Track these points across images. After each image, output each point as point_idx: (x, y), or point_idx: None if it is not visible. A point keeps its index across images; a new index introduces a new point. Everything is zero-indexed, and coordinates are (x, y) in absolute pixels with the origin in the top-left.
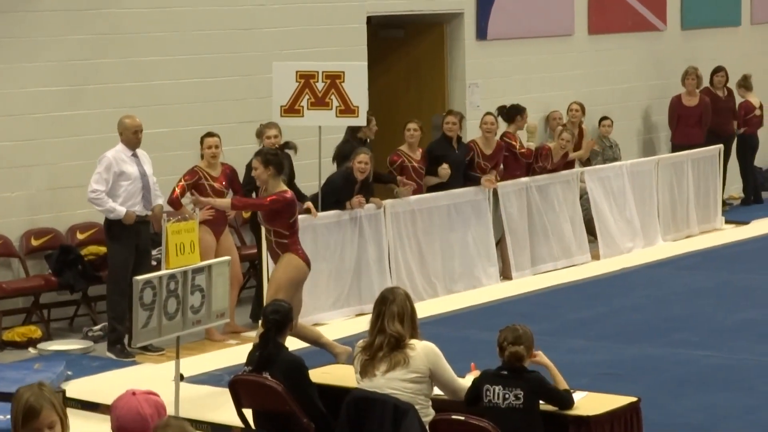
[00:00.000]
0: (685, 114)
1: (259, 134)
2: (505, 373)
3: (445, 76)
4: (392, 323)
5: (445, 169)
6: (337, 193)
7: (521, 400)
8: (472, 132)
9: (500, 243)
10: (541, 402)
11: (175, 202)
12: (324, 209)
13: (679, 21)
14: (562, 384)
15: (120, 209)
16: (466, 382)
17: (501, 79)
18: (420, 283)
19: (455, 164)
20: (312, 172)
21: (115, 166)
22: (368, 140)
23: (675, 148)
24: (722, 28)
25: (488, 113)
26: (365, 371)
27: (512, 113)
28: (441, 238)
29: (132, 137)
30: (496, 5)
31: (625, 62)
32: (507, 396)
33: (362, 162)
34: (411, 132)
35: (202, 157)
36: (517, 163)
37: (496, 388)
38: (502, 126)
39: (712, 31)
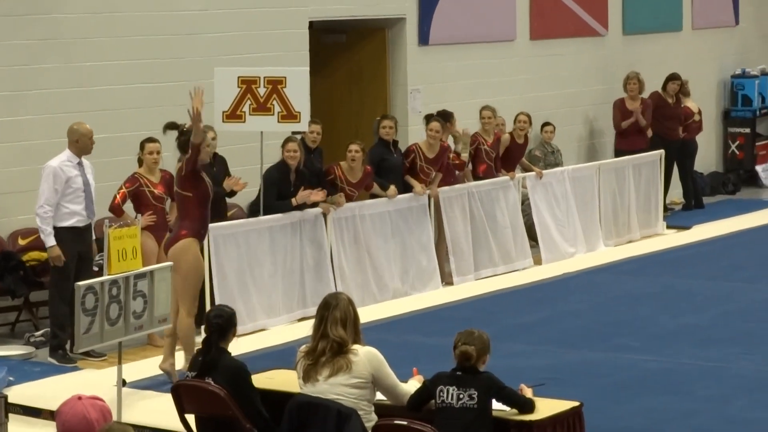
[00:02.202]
0: (625, 118)
1: None
2: (459, 373)
3: (386, 82)
4: (335, 328)
5: (393, 190)
6: (276, 186)
7: (475, 400)
8: (413, 137)
9: (440, 248)
10: (501, 407)
11: (116, 209)
12: (267, 209)
13: (621, 26)
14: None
15: (51, 242)
16: (409, 387)
17: (443, 84)
18: (362, 289)
19: (394, 168)
20: (254, 177)
21: (62, 175)
22: (312, 148)
23: (618, 153)
24: (664, 33)
25: (435, 119)
26: (308, 376)
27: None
28: (382, 244)
29: (89, 143)
30: (438, 11)
31: (566, 67)
32: (461, 396)
33: (290, 150)
34: (352, 154)
35: (140, 163)
36: (448, 170)
37: (450, 388)
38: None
39: (653, 36)
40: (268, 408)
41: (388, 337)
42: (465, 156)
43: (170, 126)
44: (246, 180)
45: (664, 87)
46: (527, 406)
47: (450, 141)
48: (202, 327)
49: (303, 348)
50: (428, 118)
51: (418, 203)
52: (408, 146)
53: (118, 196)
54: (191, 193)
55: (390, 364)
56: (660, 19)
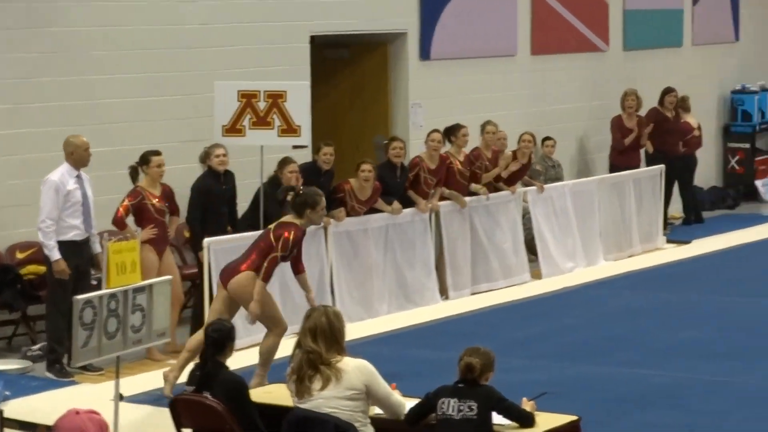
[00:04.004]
0: (625, 135)
1: (205, 157)
2: (461, 385)
3: (388, 96)
4: (305, 340)
5: (398, 207)
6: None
7: (475, 411)
8: (414, 152)
9: (440, 263)
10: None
11: (119, 223)
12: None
13: (622, 42)
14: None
15: (56, 255)
16: (404, 399)
17: (444, 99)
18: (360, 303)
19: (396, 189)
20: (253, 192)
21: (62, 188)
22: (324, 170)
23: (614, 169)
24: (664, 48)
25: (435, 130)
26: (300, 393)
27: (449, 133)
28: (381, 259)
29: (84, 155)
30: (440, 25)
31: (567, 83)
32: (461, 408)
33: (293, 171)
34: (365, 174)
35: (133, 176)
36: (455, 182)
37: (452, 400)
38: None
39: (654, 52)
40: (266, 423)
41: (385, 351)
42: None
43: (287, 189)
44: (247, 195)
45: (661, 101)
46: (528, 420)
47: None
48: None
49: (291, 364)
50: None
51: (420, 218)
52: (412, 159)
53: (121, 210)
54: (279, 253)
55: (388, 378)
56: (660, 35)
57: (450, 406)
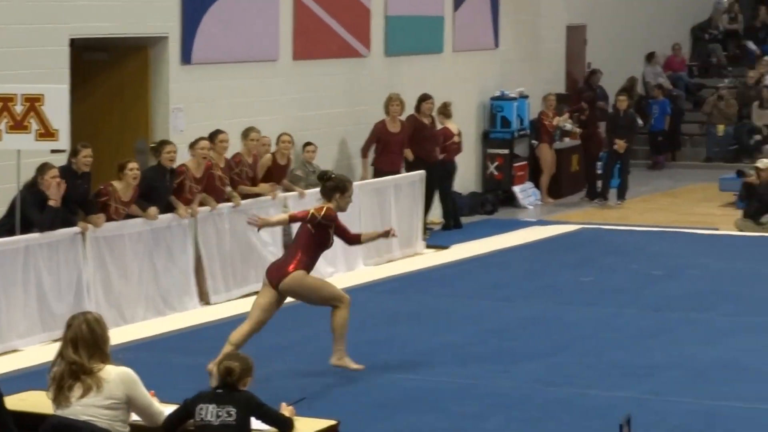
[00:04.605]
0: (389, 140)
1: None
2: (220, 391)
3: (148, 100)
4: (67, 350)
5: (154, 212)
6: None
7: (234, 417)
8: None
9: (199, 268)
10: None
11: None
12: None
13: (383, 47)
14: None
15: None
16: (165, 407)
17: (206, 103)
18: (117, 309)
19: (164, 193)
20: (10, 197)
21: None
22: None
23: (377, 173)
24: (425, 54)
25: (203, 138)
26: (58, 400)
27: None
28: (139, 264)
29: None
30: (201, 30)
31: (329, 88)
32: (220, 413)
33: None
34: (133, 172)
35: None
36: (215, 188)
37: (210, 406)
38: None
39: (415, 58)
40: (22, 430)
41: (146, 356)
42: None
43: (323, 175)
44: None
45: (418, 108)
46: (286, 425)
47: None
48: None
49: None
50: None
51: (179, 223)
52: (178, 167)
53: None
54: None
55: (149, 384)
56: (422, 42)
57: (208, 412)
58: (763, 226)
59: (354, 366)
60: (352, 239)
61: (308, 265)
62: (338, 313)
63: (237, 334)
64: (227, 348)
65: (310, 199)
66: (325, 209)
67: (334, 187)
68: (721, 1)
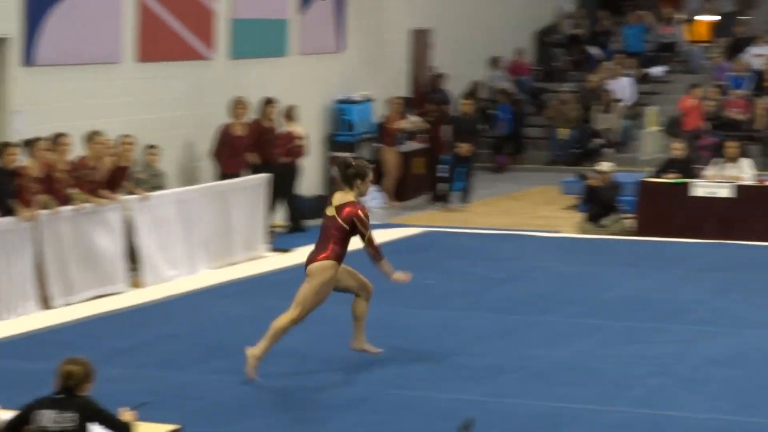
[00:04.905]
0: (233, 143)
1: None
2: (59, 396)
3: None
4: None
5: None
6: None
7: (73, 423)
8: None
9: (39, 272)
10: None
11: None
12: None
13: (228, 50)
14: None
15: None
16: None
17: (49, 105)
18: None
19: (7, 195)
20: None
21: None
22: None
23: (223, 176)
24: (270, 58)
25: (38, 138)
26: None
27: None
28: None
29: None
30: (45, 31)
31: (173, 90)
32: (59, 419)
33: None
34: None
35: None
36: (57, 191)
37: (49, 412)
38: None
39: (260, 61)
40: None
41: None
42: None
43: (343, 162)
44: None
45: (262, 112)
46: (127, 430)
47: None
48: None
49: None
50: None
51: (17, 227)
52: (17, 167)
53: None
54: (368, 231)
55: None
56: (267, 45)
57: (47, 418)
58: (604, 228)
59: (374, 350)
60: (376, 252)
61: (340, 255)
62: (360, 301)
63: (279, 322)
64: (270, 334)
65: (153, 202)
66: (361, 211)
67: (356, 174)
68: (564, 7)
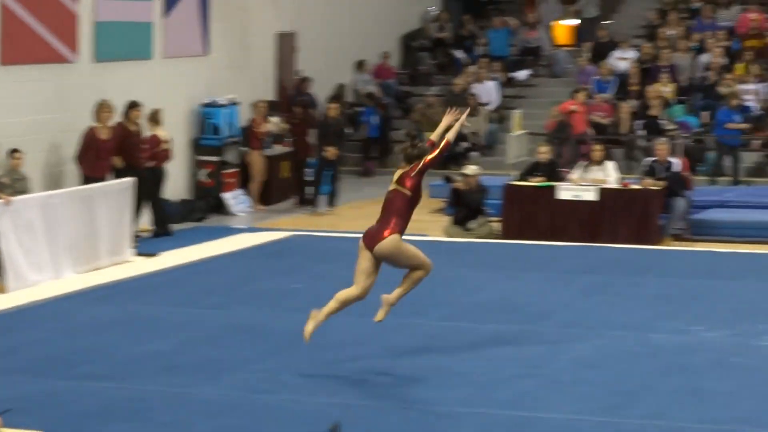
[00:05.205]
0: (98, 147)
1: None
2: None
3: None
4: None
5: None
6: None
7: None
8: None
9: None
10: None
11: None
12: None
13: (92, 53)
14: None
15: None
16: None
17: None
18: None
19: None
20: None
21: None
22: None
23: (87, 180)
24: (135, 61)
25: None
26: None
27: None
28: None
29: None
30: None
31: (36, 94)
32: None
33: None
34: None
35: None
36: None
37: None
38: None
39: (125, 64)
40: None
41: None
42: None
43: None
44: None
45: (126, 115)
46: None
47: None
48: None
49: None
50: None
51: None
52: None
53: None
54: (411, 193)
55: None
56: (131, 47)
57: None
58: (471, 231)
59: (381, 316)
60: (443, 148)
61: (402, 228)
62: (418, 271)
63: (345, 294)
64: (332, 304)
65: (17, 206)
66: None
67: (418, 155)
68: (430, 11)
